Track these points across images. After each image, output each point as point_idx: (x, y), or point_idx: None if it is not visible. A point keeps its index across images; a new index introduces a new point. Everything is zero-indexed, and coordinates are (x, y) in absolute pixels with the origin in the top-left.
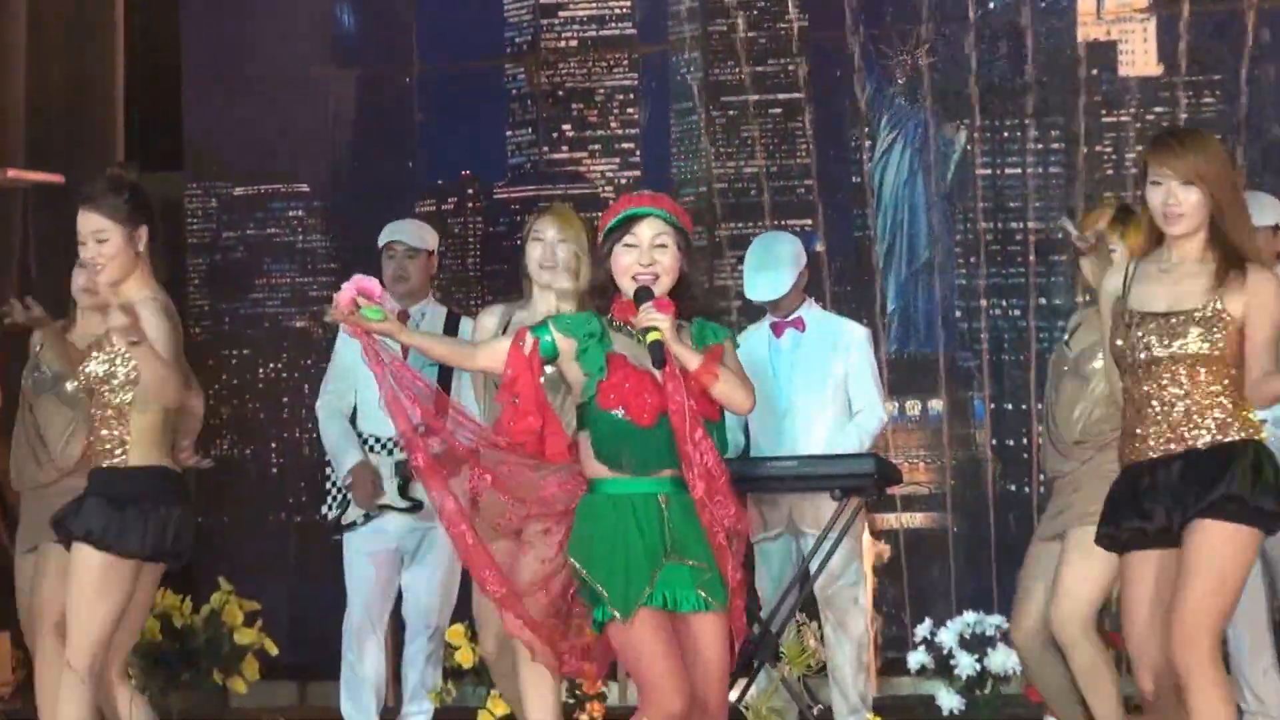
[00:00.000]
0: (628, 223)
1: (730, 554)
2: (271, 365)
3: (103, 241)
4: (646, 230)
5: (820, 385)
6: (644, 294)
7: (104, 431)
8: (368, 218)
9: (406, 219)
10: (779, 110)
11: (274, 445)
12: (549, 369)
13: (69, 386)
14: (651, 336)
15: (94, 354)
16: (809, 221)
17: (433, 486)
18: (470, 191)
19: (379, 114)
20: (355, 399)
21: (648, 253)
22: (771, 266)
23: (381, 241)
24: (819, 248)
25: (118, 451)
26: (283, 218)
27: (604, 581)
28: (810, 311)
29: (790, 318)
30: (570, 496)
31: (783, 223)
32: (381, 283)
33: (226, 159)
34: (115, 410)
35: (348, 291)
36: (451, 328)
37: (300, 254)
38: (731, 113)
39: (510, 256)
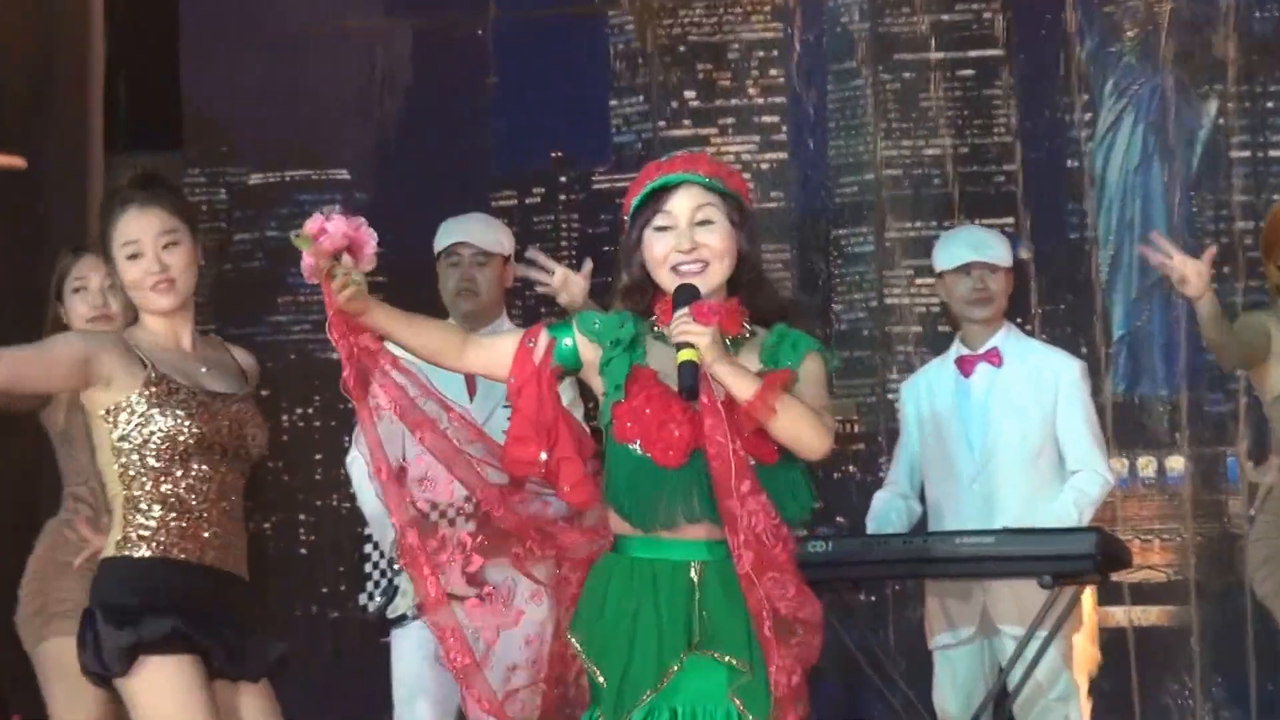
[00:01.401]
0: (656, 197)
1: (782, 650)
2: (299, 410)
3: (173, 245)
4: (683, 203)
5: (1024, 438)
6: (684, 294)
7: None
8: (426, 214)
9: (474, 214)
10: (970, 72)
11: (303, 516)
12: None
13: None
14: (684, 356)
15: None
16: (1009, 220)
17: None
18: (562, 180)
19: (441, 78)
20: (402, 451)
21: (687, 233)
22: (981, 232)
23: (441, 244)
24: (1024, 254)
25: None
26: (314, 214)
27: (605, 673)
28: (1009, 340)
29: (984, 349)
30: (594, 544)
31: (975, 222)
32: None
33: (238, 137)
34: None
35: (338, 232)
36: None
37: None
38: (907, 75)
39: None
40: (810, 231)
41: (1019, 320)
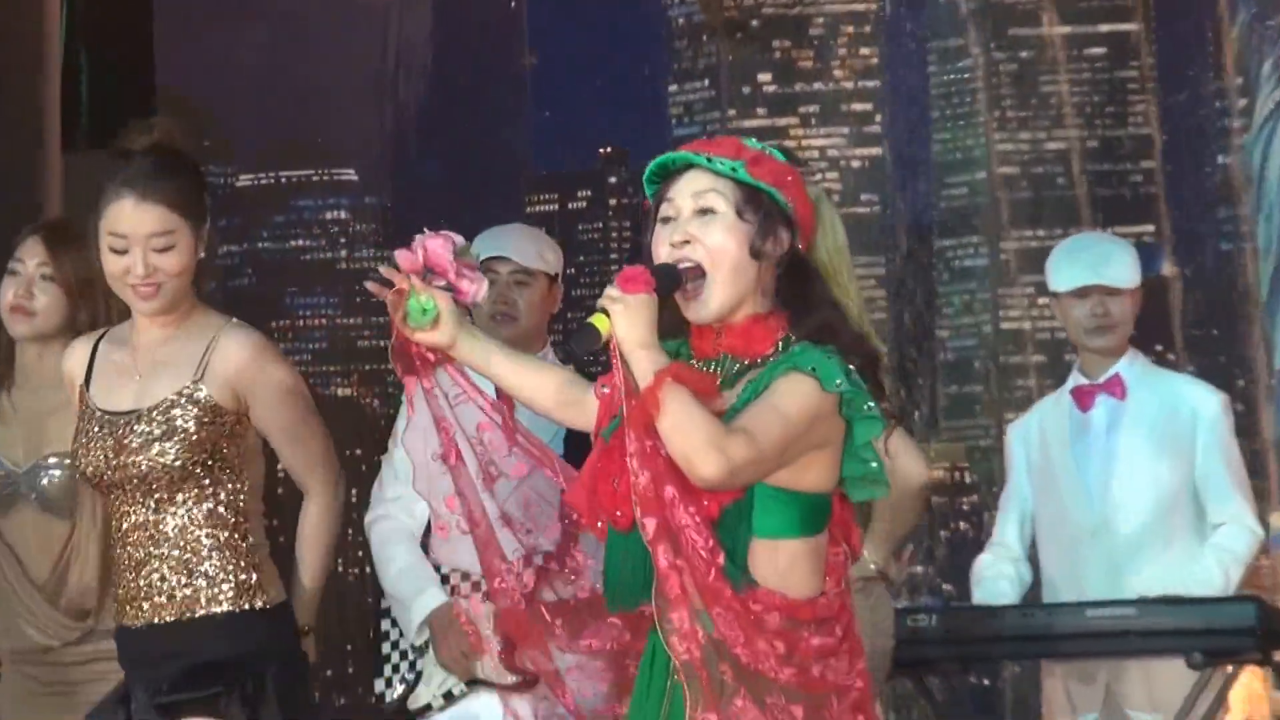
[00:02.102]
0: (662, 184)
1: (740, 708)
2: None
3: (167, 249)
4: (683, 189)
5: (1156, 485)
6: (659, 271)
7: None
8: (449, 222)
9: (511, 225)
10: (1101, 51)
11: None
12: None
13: (54, 477)
14: (592, 319)
15: (135, 414)
16: (1148, 228)
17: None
18: (612, 181)
19: (468, 59)
20: (430, 510)
21: (683, 225)
22: (1102, 244)
23: None
24: (1165, 269)
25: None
26: (316, 222)
27: None
28: (1134, 368)
29: (1104, 378)
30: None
31: (1108, 230)
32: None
33: (224, 129)
34: (223, 511)
35: (412, 254)
36: None
37: (344, 279)
38: (1025, 54)
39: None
40: (910, 242)
41: (1160, 348)
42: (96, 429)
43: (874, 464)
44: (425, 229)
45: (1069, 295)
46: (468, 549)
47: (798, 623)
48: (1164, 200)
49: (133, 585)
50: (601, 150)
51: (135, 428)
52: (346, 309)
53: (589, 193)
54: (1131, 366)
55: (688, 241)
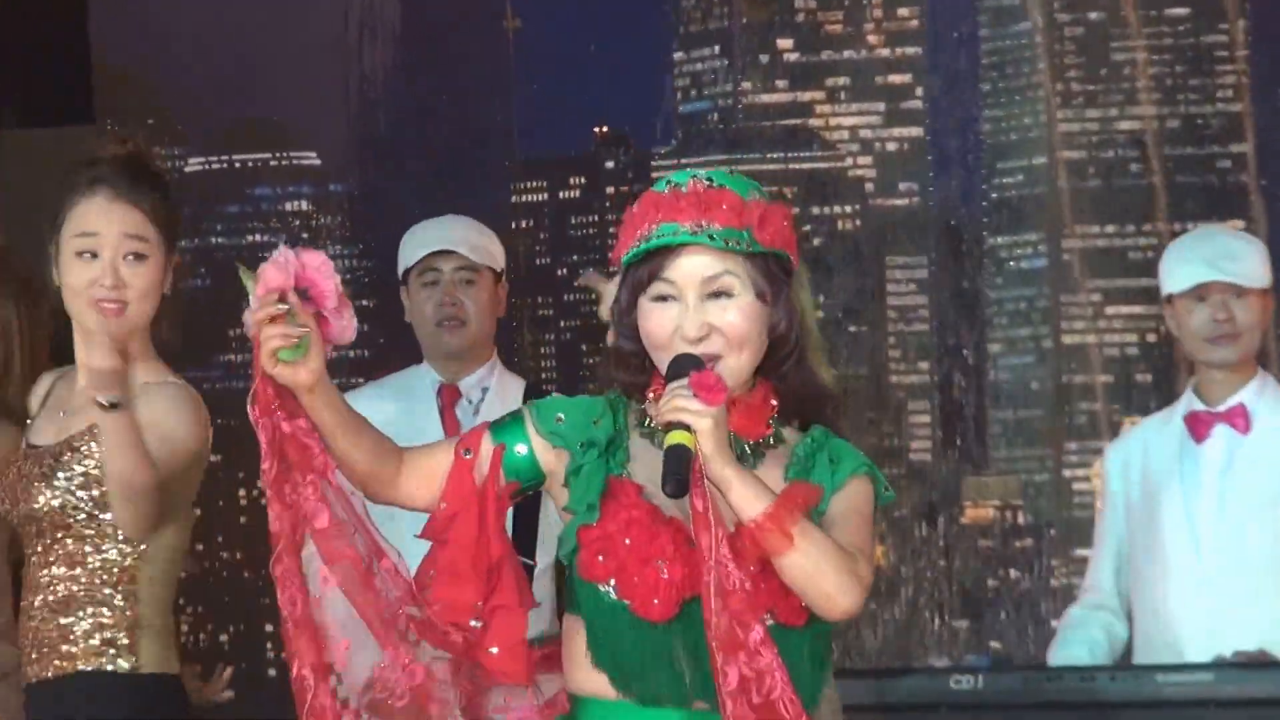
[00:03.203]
0: (653, 258)
1: None
2: (258, 484)
3: (137, 259)
4: (690, 269)
5: (1273, 534)
6: (683, 365)
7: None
8: (424, 213)
9: (449, 215)
10: (1184, 11)
11: (270, 627)
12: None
13: None
14: (674, 438)
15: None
16: (1239, 224)
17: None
18: (609, 166)
19: (443, 23)
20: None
21: (696, 311)
22: (1224, 238)
23: (411, 258)
24: None
25: (119, 640)
26: (274, 213)
27: None
28: (1264, 397)
29: (1225, 405)
30: None
31: (1192, 227)
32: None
33: (171, 107)
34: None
35: (288, 266)
36: None
37: None
38: (1094, 16)
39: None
40: (955, 238)
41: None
42: (28, 457)
43: None
44: (284, 244)
45: (1184, 297)
46: None
47: None
48: (1258, 190)
49: (38, 627)
50: (597, 130)
51: (45, 456)
52: None
53: (583, 179)
54: (1261, 395)
55: (708, 334)
